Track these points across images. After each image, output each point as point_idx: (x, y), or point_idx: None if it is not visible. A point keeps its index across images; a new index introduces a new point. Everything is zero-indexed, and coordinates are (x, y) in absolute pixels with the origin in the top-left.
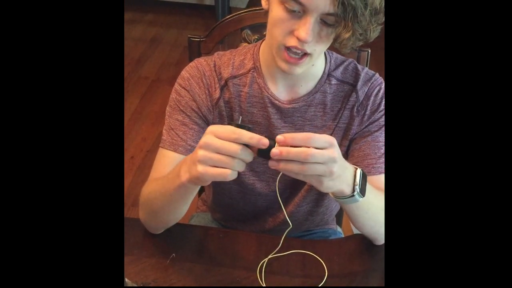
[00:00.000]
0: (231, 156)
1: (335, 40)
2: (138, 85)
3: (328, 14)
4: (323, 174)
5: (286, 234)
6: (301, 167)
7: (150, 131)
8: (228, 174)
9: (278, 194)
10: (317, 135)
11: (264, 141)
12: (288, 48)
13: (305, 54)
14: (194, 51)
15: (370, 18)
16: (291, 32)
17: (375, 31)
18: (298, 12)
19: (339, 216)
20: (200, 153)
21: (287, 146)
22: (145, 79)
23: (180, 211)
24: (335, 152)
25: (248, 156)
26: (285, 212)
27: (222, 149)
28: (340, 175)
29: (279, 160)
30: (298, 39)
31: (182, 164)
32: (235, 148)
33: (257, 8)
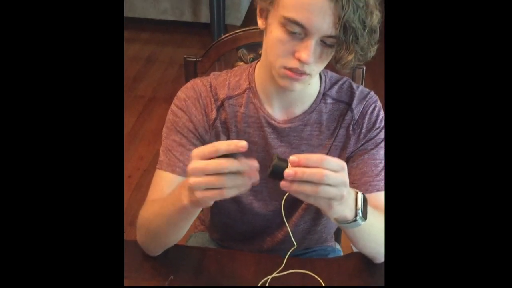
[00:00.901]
0: (221, 173)
1: (337, 62)
2: (134, 104)
3: (329, 36)
4: (334, 197)
5: (289, 254)
6: (314, 188)
7: (147, 149)
8: (223, 193)
9: (284, 215)
10: (330, 158)
11: (242, 144)
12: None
13: (306, 73)
14: (190, 71)
15: (369, 39)
16: (292, 54)
17: (373, 50)
18: (299, 34)
19: (338, 233)
20: (191, 180)
21: (300, 167)
22: (141, 97)
23: (181, 233)
24: (346, 176)
25: (235, 166)
26: (289, 231)
27: (209, 170)
28: (347, 199)
29: (292, 181)
30: (300, 60)
31: (181, 187)
32: (218, 164)
33: (252, 28)
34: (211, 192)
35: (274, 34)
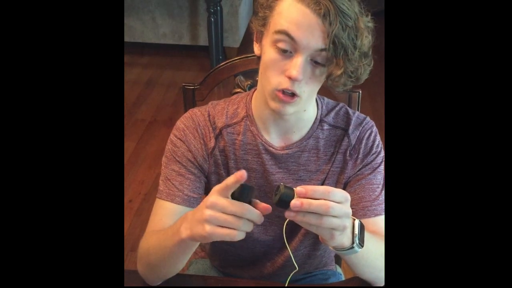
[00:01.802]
0: (238, 216)
1: (327, 77)
2: (135, 128)
3: (320, 50)
4: (337, 228)
5: (290, 277)
6: (319, 220)
7: (148, 173)
8: (235, 234)
9: (286, 241)
10: (335, 189)
11: (241, 173)
12: (281, 91)
13: (295, 95)
14: (189, 98)
15: (359, 58)
16: (283, 73)
17: (365, 71)
18: (289, 52)
19: (338, 256)
20: (208, 213)
21: (306, 198)
22: (141, 121)
23: (179, 265)
24: (349, 207)
25: (255, 216)
26: (291, 254)
27: (228, 209)
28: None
29: (297, 211)
30: (290, 77)
31: (182, 221)
32: (241, 208)
33: (249, 55)
34: (223, 230)
35: (266, 55)
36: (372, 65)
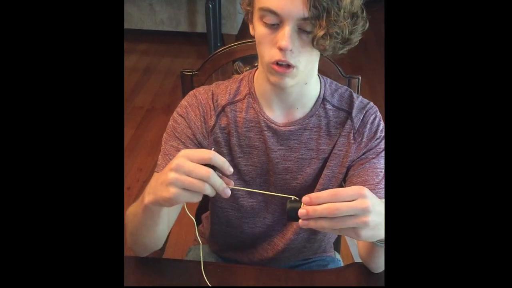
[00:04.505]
0: (202, 180)
1: (312, 41)
2: (133, 115)
3: (304, 19)
4: (356, 226)
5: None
6: (330, 223)
7: (146, 161)
8: (197, 197)
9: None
10: (343, 190)
11: (231, 170)
12: (276, 63)
13: (290, 65)
14: (187, 84)
15: (345, 21)
16: (274, 45)
17: (355, 32)
18: (276, 25)
19: (337, 243)
20: (172, 175)
21: (313, 205)
22: (139, 108)
23: (153, 235)
24: (367, 201)
25: (218, 182)
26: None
27: (193, 173)
28: (379, 223)
29: (309, 219)
30: (280, 49)
31: (147, 186)
32: (206, 172)
33: (248, 41)
34: (186, 193)
35: (257, 32)
36: (366, 26)
